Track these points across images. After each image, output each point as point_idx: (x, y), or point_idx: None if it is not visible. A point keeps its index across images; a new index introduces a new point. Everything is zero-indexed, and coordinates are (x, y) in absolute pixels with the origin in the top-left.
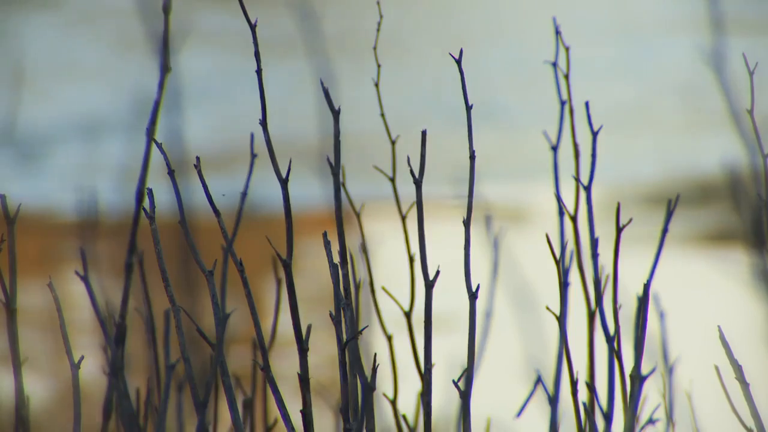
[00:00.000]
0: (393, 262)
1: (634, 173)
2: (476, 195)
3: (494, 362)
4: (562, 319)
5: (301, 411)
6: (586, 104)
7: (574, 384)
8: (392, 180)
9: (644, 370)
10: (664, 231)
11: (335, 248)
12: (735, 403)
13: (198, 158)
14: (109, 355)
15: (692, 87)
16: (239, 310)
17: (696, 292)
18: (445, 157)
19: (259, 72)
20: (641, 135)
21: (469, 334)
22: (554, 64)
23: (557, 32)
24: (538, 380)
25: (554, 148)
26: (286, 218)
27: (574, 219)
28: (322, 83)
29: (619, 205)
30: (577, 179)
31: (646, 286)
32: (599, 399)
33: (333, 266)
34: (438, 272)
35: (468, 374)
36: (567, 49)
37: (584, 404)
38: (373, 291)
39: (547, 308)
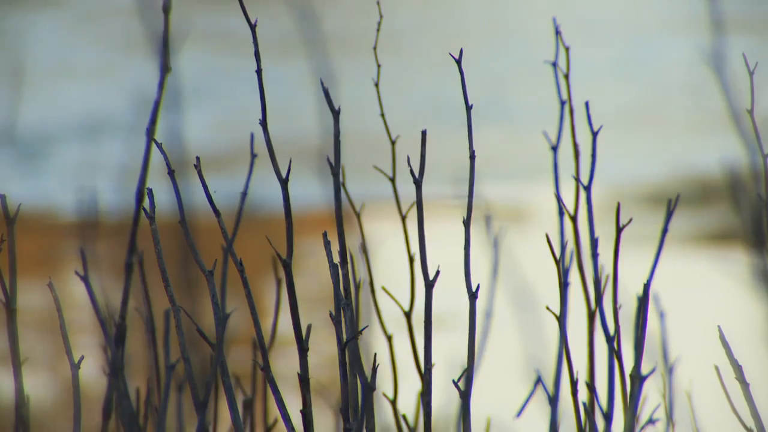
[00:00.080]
0: (393, 262)
1: (634, 173)
2: (476, 195)
3: (494, 362)
4: (562, 319)
5: (301, 411)
6: (586, 104)
7: (574, 384)
8: (392, 180)
9: (644, 370)
10: (664, 231)
11: (335, 248)
12: (735, 403)
13: (198, 158)
14: (109, 355)
15: (692, 87)
16: (239, 310)
17: (696, 292)
18: (445, 157)
19: (259, 72)
20: (641, 135)
21: (469, 334)
22: (554, 64)
23: (557, 32)
24: (538, 380)
25: (554, 148)
26: (286, 218)
27: (574, 219)
28: (322, 83)
29: (619, 205)
30: (577, 179)
31: (646, 286)
32: (599, 399)
33: (333, 266)
34: (438, 272)
35: (468, 374)
36: (567, 49)
37: (584, 404)
38: (373, 291)
39: (547, 308)
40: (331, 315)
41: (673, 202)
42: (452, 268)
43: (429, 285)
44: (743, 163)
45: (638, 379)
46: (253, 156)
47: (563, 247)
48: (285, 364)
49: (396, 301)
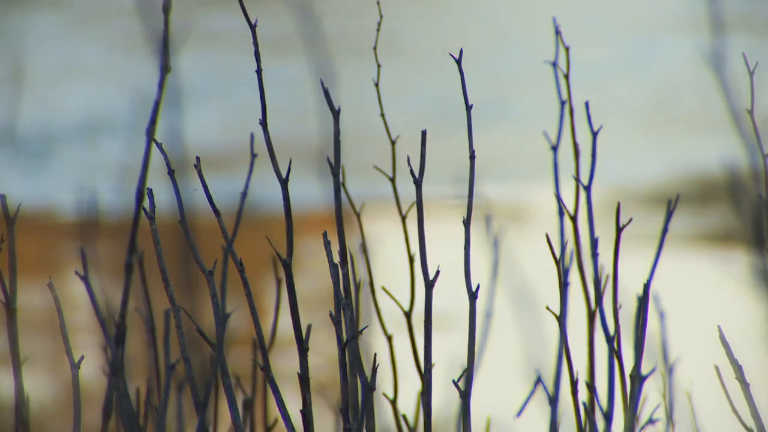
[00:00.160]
0: (393, 262)
1: (634, 173)
2: (476, 195)
3: (494, 362)
4: (562, 319)
5: (301, 411)
6: (586, 104)
7: (574, 384)
8: (392, 180)
9: (644, 370)
10: (664, 231)
11: (335, 248)
12: (735, 403)
13: (198, 158)
14: (109, 355)
15: (692, 87)
16: (239, 310)
17: (696, 292)
18: (445, 157)
19: (259, 72)
20: (641, 135)
21: (469, 334)
22: (554, 64)
23: (557, 32)
24: (538, 380)
25: (554, 148)
26: (286, 218)
27: (574, 219)
28: (322, 83)
29: (619, 205)
30: (577, 179)
31: (646, 286)
32: (599, 399)
33: (333, 266)
34: (438, 272)
35: (468, 374)
36: (567, 49)
37: (584, 404)
38: (373, 291)
39: (547, 308)
40: (331, 315)
41: (673, 202)
42: (452, 268)
43: (429, 285)
44: (743, 163)
45: (638, 379)
46: (253, 156)
47: (563, 247)
48: (285, 364)
49: (396, 301)
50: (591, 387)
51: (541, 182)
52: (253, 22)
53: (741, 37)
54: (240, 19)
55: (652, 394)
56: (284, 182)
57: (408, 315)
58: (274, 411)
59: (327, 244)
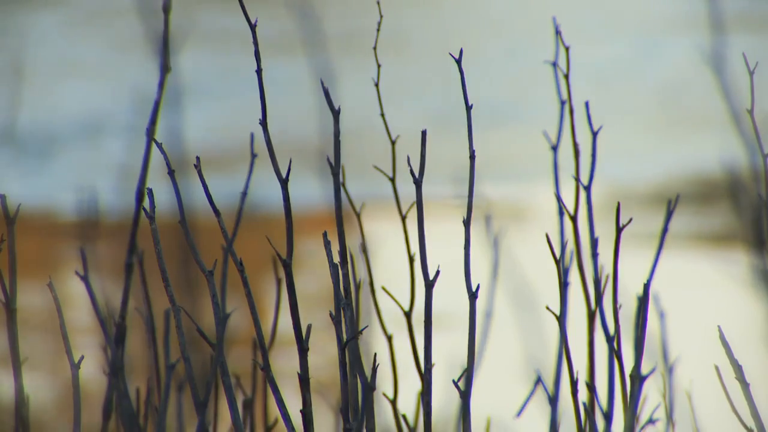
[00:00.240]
0: (393, 262)
1: (634, 173)
2: (476, 195)
3: (494, 362)
4: (562, 319)
5: (301, 411)
6: (586, 104)
7: (574, 384)
8: (392, 180)
9: (644, 370)
10: (664, 231)
11: (335, 248)
12: (735, 403)
13: (198, 158)
14: (109, 355)
15: (692, 87)
16: (239, 310)
17: (696, 292)
18: (445, 157)
19: (259, 72)
20: (641, 135)
21: (469, 334)
22: (554, 64)
23: (557, 32)
24: (538, 380)
25: (554, 148)
26: (286, 218)
27: (574, 219)
28: (322, 83)
29: (619, 205)
30: (577, 179)
31: (646, 286)
32: (599, 399)
33: (333, 266)
34: (438, 272)
35: (468, 374)
36: (567, 49)
37: (584, 404)
38: (373, 291)
39: (547, 308)
40: (331, 315)
41: (673, 202)
42: (452, 268)
43: (429, 285)
44: (743, 163)
45: (638, 379)
46: (253, 156)
47: (563, 247)
48: (285, 364)
49: (396, 301)
50: (591, 387)
51: (541, 182)
52: (253, 22)
53: (741, 36)
54: (240, 19)
55: (652, 394)
56: (284, 182)
57: (408, 315)
58: (274, 411)
59: (327, 244)
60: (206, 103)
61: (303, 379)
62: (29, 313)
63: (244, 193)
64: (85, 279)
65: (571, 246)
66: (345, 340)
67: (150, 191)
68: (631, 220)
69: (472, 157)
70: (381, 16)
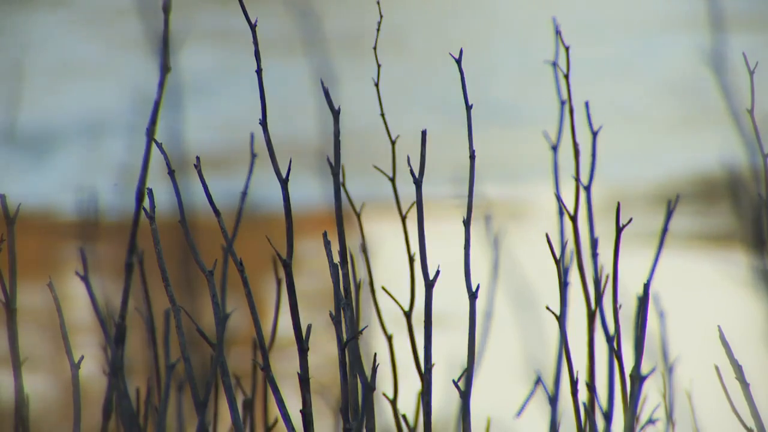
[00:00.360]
0: (393, 262)
1: (634, 173)
2: (476, 195)
3: (494, 362)
4: (562, 319)
5: (301, 411)
6: (586, 104)
7: (574, 384)
8: (392, 180)
9: (644, 370)
10: (664, 231)
11: (335, 248)
12: (735, 403)
13: (198, 158)
14: (109, 355)
15: (692, 86)
16: (239, 310)
17: (696, 292)
18: (445, 157)
19: (259, 72)
20: (641, 135)
21: (469, 334)
22: (554, 64)
23: (557, 32)
24: (538, 380)
25: (554, 148)
26: (286, 218)
27: (574, 219)
28: (322, 83)
29: (619, 205)
30: (577, 179)
31: (646, 286)
32: (599, 399)
33: (333, 266)
34: (438, 272)
35: (468, 374)
36: (567, 49)
37: (584, 404)
38: (373, 291)
39: (547, 308)
40: (331, 315)
41: (673, 202)
42: (452, 268)
43: (429, 285)
44: (743, 163)
45: (638, 379)
46: (253, 156)
47: (563, 247)
48: (285, 364)
49: (396, 301)
50: (591, 387)
51: (541, 182)
52: (253, 22)
53: (741, 36)
54: (240, 19)
55: (652, 394)
56: (284, 182)
57: (408, 315)
58: (274, 411)
59: (327, 244)
60: (206, 103)
61: (303, 379)
62: (29, 313)
63: (244, 193)
64: (85, 279)
65: (571, 246)
66: (345, 340)
67: (150, 191)
68: (631, 220)
69: (472, 157)
70: (381, 16)
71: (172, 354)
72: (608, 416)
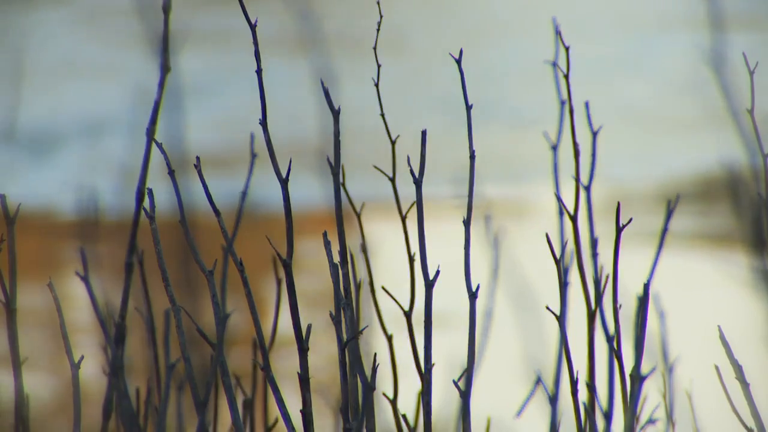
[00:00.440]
0: (393, 262)
1: (634, 173)
2: (476, 195)
3: (494, 362)
4: (562, 319)
5: (301, 411)
6: (586, 104)
7: (574, 384)
8: (392, 180)
9: (644, 370)
10: (664, 231)
11: (335, 248)
12: (735, 403)
13: (198, 158)
14: (109, 355)
15: (692, 86)
16: (239, 310)
17: (696, 292)
18: (445, 157)
19: (259, 72)
20: (641, 135)
21: (469, 334)
22: (554, 64)
23: (557, 32)
24: (538, 380)
25: (554, 148)
26: (286, 218)
27: (574, 219)
28: (322, 83)
29: (619, 205)
30: (577, 179)
31: (646, 286)
32: (599, 399)
33: (333, 266)
34: (438, 272)
35: (468, 374)
36: (567, 49)
37: (584, 404)
38: (373, 291)
39: (547, 308)
40: (331, 315)
41: (673, 202)
42: (452, 268)
43: (429, 285)
44: (743, 163)
45: (638, 379)
46: (253, 156)
47: (563, 247)
48: (285, 364)
49: (396, 301)
50: (591, 387)
51: (541, 182)
52: (253, 22)
53: (741, 35)
54: (240, 19)
55: (652, 394)
56: (284, 182)
57: (408, 315)
58: (274, 411)
59: (327, 244)
60: (206, 103)
61: (303, 379)
62: (29, 313)
63: (244, 193)
64: (85, 279)
65: (571, 246)
66: (345, 340)
67: (150, 191)
68: (631, 220)
69: (472, 157)
70: (381, 16)
71: (172, 354)
72: (608, 416)
